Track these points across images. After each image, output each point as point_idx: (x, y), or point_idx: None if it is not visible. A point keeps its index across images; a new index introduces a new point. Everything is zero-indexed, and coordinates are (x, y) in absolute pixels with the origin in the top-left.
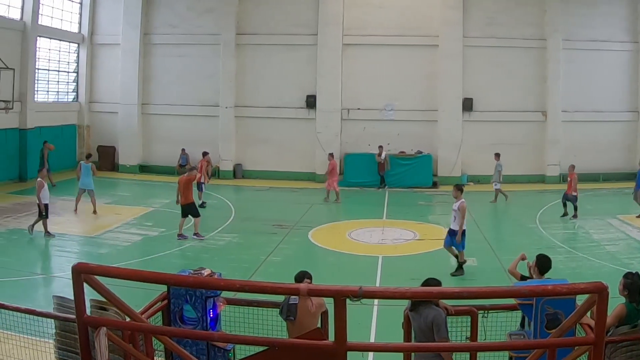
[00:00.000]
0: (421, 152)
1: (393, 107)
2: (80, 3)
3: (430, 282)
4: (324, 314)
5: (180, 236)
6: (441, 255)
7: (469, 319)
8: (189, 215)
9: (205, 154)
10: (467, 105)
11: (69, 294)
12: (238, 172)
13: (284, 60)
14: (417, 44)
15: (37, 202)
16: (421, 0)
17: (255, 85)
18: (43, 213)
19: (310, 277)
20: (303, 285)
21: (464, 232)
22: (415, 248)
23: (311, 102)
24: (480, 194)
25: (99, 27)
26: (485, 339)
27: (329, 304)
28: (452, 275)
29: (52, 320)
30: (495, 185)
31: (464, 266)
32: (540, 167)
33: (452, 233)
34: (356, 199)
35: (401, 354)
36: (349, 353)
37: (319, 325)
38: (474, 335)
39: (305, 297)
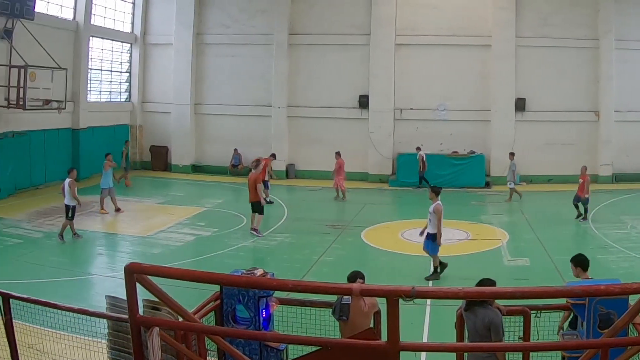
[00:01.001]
0: (474, 152)
1: (446, 107)
2: (133, 3)
3: (485, 282)
4: (377, 314)
5: (255, 230)
6: (494, 255)
7: (522, 319)
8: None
9: (273, 156)
10: (520, 105)
11: (122, 294)
12: (291, 172)
13: (336, 60)
14: (469, 44)
15: (74, 203)
16: (474, 1)
17: (307, 85)
18: (69, 215)
19: (363, 277)
20: (356, 285)
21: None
22: (467, 248)
23: (364, 102)
24: (533, 194)
25: (152, 27)
26: (537, 339)
27: (381, 304)
28: (427, 279)
29: (105, 320)
30: (510, 184)
31: (438, 269)
32: (592, 167)
33: (429, 237)
34: (408, 198)
35: (454, 354)
36: (401, 353)
37: (371, 325)
38: (526, 335)
39: (358, 297)
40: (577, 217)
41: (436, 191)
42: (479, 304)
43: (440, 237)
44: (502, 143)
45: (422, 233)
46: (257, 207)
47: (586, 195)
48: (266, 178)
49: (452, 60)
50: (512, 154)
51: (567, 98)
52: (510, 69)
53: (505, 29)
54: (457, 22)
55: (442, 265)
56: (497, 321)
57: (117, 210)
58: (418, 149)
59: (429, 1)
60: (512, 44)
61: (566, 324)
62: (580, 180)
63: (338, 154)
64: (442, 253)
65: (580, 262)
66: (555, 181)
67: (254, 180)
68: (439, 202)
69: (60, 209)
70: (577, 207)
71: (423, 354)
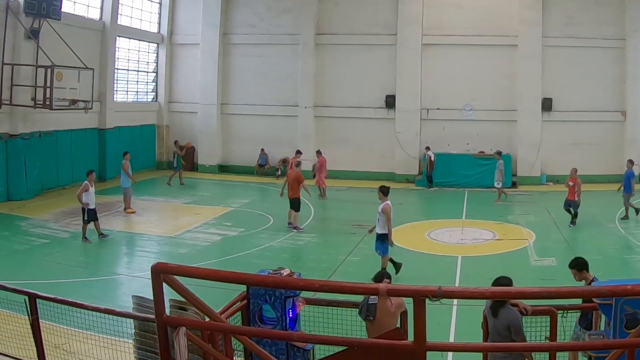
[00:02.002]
0: (500, 152)
1: (472, 107)
2: (160, 3)
3: (502, 281)
4: (404, 314)
5: (295, 227)
6: (521, 255)
7: (548, 319)
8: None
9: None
10: (547, 105)
11: (148, 294)
12: None
13: (363, 60)
14: (496, 44)
15: (84, 205)
16: (500, 0)
17: (334, 85)
18: (85, 218)
19: (389, 277)
20: (382, 285)
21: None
22: (494, 248)
23: (390, 102)
24: (560, 193)
25: (178, 27)
26: (564, 339)
27: (408, 304)
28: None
29: (132, 320)
30: (497, 184)
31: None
32: (619, 167)
33: (379, 237)
34: (435, 198)
35: (480, 355)
36: (428, 353)
37: (398, 325)
38: (553, 335)
39: (384, 297)
40: (571, 222)
41: (384, 191)
42: (498, 304)
43: (392, 236)
44: (529, 143)
45: (370, 231)
46: (296, 204)
47: (576, 199)
48: None
49: (479, 60)
50: (498, 153)
51: (594, 98)
52: (537, 69)
53: (532, 29)
54: (483, 21)
55: (397, 266)
56: (515, 322)
57: (126, 209)
58: (427, 148)
59: (455, 0)
60: (539, 43)
61: (574, 323)
62: (571, 183)
63: (319, 152)
64: (469, 253)
65: (585, 265)
66: (582, 181)
67: (296, 178)
68: (388, 201)
69: None
70: (569, 212)
71: (450, 354)
